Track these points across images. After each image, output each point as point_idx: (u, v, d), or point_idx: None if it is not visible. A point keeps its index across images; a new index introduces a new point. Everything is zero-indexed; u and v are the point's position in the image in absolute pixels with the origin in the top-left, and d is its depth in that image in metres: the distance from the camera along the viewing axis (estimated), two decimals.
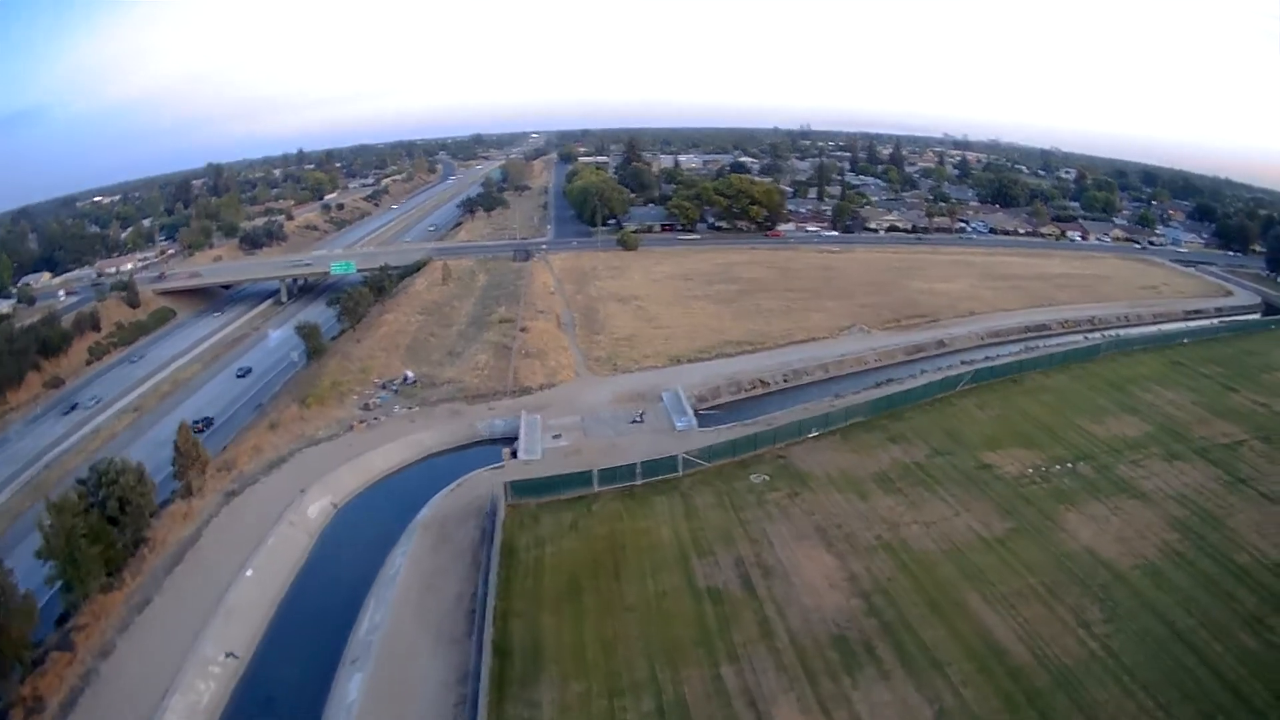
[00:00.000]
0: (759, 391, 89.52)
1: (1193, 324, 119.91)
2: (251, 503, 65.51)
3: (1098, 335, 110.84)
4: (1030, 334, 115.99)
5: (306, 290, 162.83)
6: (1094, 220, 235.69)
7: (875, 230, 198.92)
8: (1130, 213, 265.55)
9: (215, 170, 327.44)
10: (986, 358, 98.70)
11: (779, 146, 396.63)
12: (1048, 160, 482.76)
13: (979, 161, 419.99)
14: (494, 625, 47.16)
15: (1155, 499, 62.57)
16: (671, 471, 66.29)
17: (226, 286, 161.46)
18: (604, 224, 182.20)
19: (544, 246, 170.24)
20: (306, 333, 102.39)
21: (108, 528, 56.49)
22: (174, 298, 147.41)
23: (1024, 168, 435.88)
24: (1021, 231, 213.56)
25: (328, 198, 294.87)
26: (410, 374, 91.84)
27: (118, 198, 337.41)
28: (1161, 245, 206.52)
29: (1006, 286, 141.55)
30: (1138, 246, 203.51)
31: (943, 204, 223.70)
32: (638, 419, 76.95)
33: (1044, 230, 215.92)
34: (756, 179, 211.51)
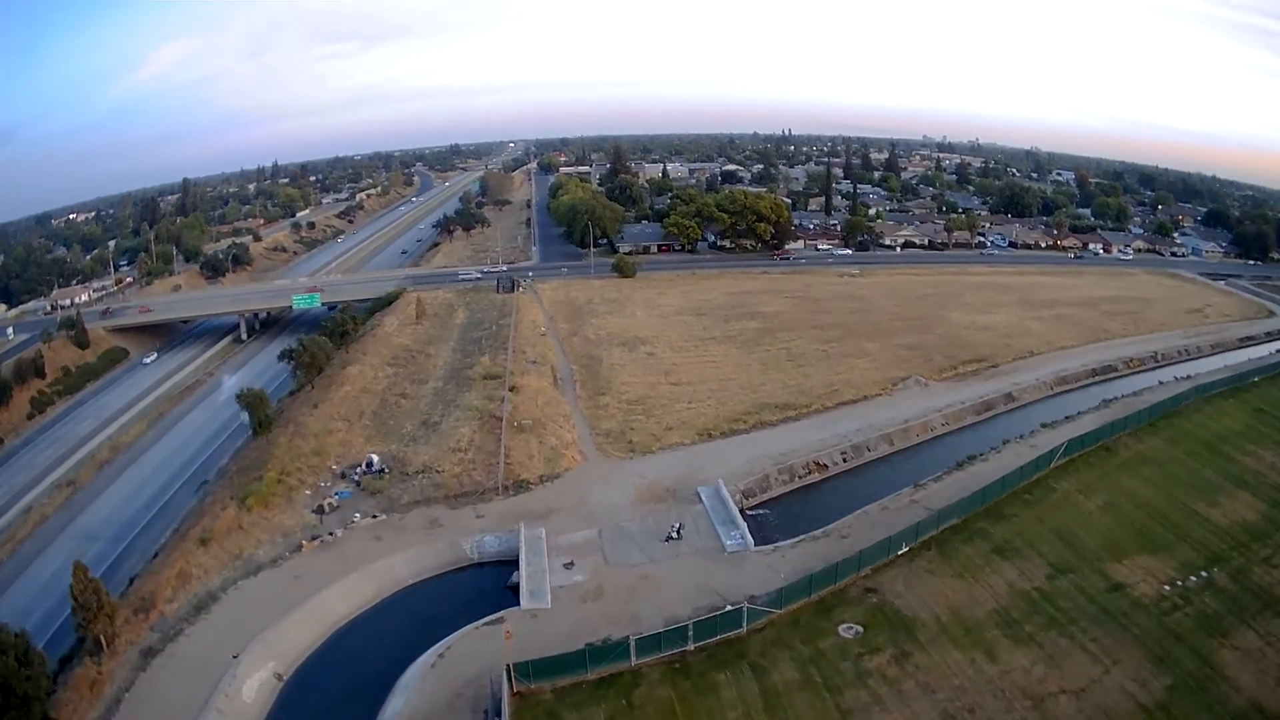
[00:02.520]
0: (816, 477, 71.85)
1: (1253, 353, 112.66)
2: (174, 670, 47.40)
3: (1168, 377, 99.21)
4: (1098, 378, 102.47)
5: (270, 324, 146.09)
6: (1112, 230, 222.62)
7: (891, 247, 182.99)
8: (1141, 219, 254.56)
9: (183, 188, 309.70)
10: (1068, 417, 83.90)
11: (770, 154, 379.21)
12: (1039, 162, 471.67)
13: (970, 166, 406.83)
14: None
15: None
16: (734, 628, 48.29)
17: (186, 321, 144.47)
18: (595, 245, 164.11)
19: (530, 274, 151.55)
20: (250, 403, 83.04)
21: None
22: (127, 335, 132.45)
23: (1015, 170, 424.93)
24: (1043, 245, 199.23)
25: (299, 215, 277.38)
26: (375, 458, 72.99)
27: (91, 215, 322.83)
28: (1183, 256, 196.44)
29: (1053, 317, 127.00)
30: (1161, 258, 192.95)
31: (956, 216, 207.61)
32: (673, 534, 58.73)
33: (1064, 243, 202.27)
34: (761, 193, 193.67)
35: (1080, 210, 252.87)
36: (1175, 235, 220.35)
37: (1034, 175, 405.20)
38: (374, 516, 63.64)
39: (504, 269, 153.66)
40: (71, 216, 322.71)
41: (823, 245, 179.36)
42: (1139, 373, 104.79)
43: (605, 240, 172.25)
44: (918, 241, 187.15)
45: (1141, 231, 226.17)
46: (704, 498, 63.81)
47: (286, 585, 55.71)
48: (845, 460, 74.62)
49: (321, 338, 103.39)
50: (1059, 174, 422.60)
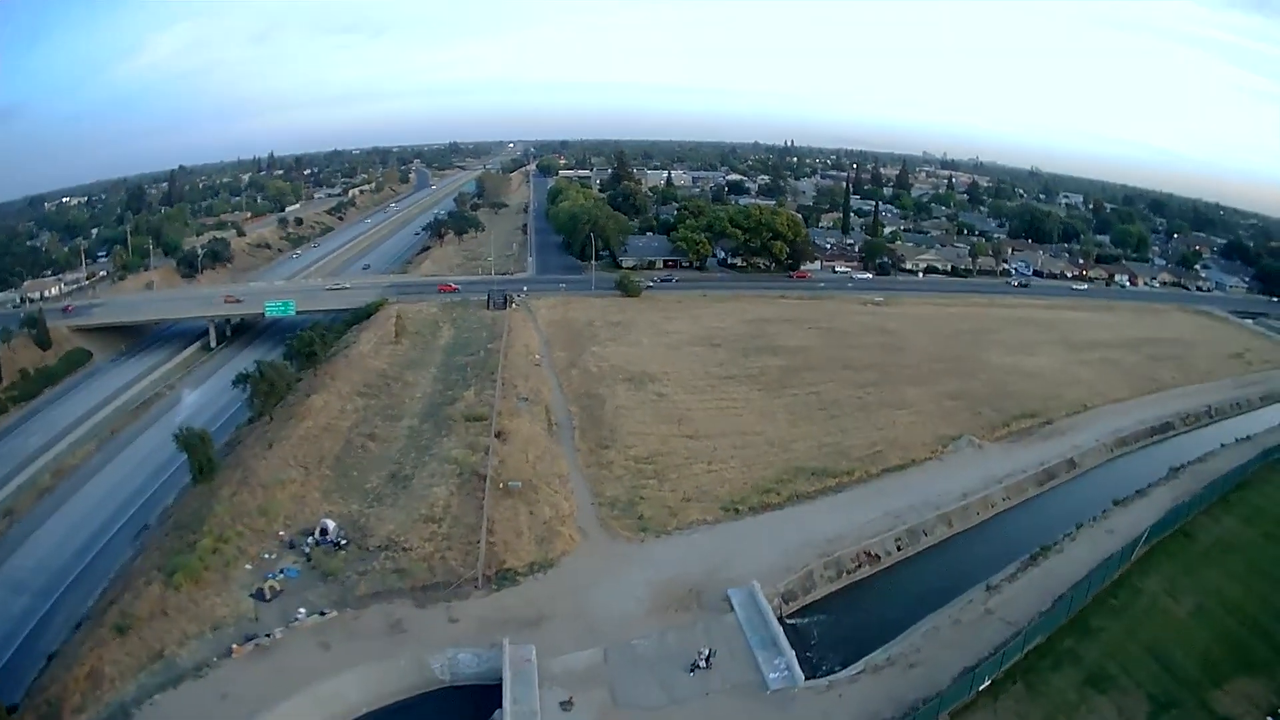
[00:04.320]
0: (867, 571, 59.19)
1: None
2: None
3: (1226, 436, 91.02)
4: (1156, 437, 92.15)
5: (243, 330, 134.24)
6: (1134, 260, 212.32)
7: (913, 272, 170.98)
8: (1159, 248, 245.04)
9: (171, 176, 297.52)
10: (1138, 492, 73.47)
11: (778, 166, 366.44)
12: (1046, 185, 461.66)
13: (979, 186, 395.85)
14: None
15: None
16: None
17: (157, 322, 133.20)
18: (596, 257, 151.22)
19: (525, 289, 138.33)
20: (189, 444, 69.45)
21: None
22: (91, 335, 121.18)
23: (1022, 192, 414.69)
24: (1068, 275, 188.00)
25: (288, 210, 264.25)
26: (330, 524, 59.74)
27: (84, 199, 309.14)
28: (1208, 291, 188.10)
29: (1098, 361, 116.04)
30: (1188, 292, 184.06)
31: (980, 241, 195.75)
32: (700, 662, 45.79)
33: (1090, 273, 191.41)
34: (777, 208, 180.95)
35: (1099, 237, 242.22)
36: (1197, 268, 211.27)
37: (1042, 197, 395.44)
38: (321, 614, 50.38)
39: (496, 281, 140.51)
40: (64, 200, 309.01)
41: (840, 267, 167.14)
42: (1196, 429, 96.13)
43: (607, 252, 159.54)
44: (940, 267, 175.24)
45: (1164, 263, 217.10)
46: (736, 604, 50.89)
47: (210, 706, 42.85)
48: (900, 548, 62.04)
49: (283, 363, 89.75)
50: (1066, 196, 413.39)
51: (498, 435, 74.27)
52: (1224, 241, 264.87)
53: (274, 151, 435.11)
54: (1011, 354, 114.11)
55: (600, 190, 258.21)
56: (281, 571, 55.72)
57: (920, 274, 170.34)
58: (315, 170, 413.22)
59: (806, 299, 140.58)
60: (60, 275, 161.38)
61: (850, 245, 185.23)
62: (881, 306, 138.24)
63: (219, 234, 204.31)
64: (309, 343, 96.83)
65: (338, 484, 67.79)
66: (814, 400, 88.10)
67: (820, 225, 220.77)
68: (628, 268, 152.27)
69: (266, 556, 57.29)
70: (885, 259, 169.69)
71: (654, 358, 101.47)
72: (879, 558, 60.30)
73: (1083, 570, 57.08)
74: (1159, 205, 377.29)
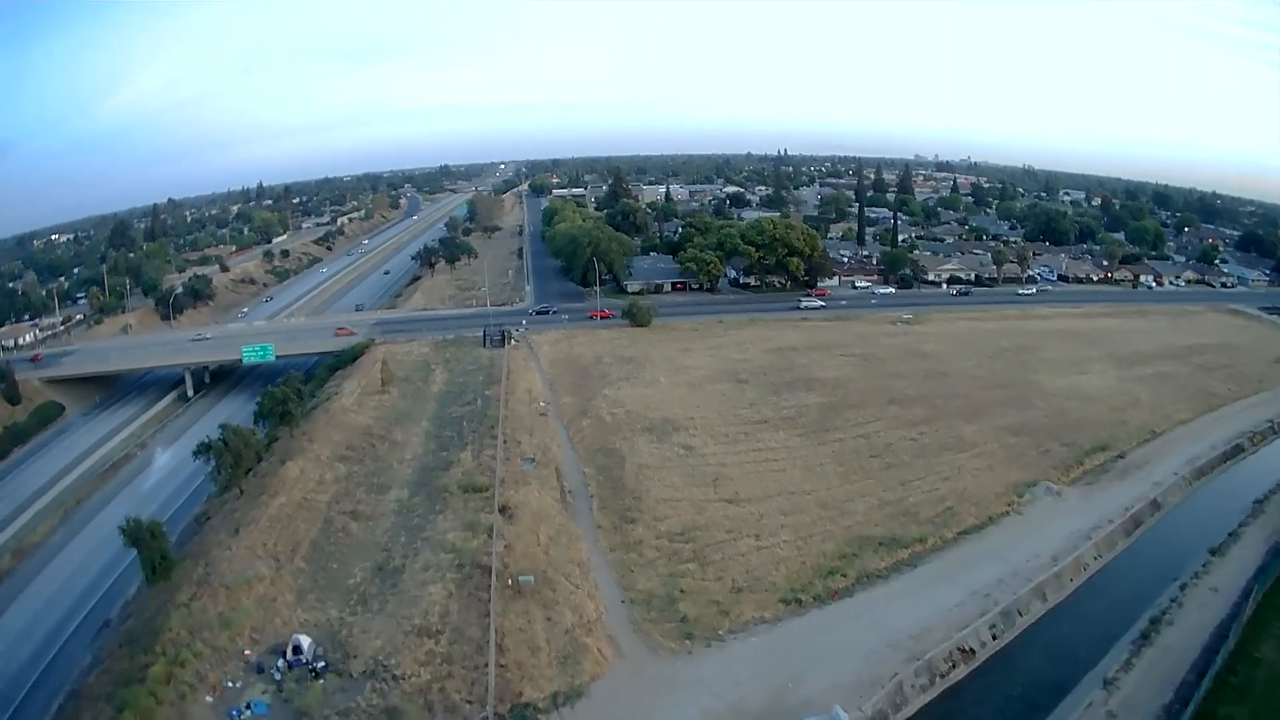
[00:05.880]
0: (962, 671, 48.37)
1: None
2: None
3: None
4: (1229, 461, 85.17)
5: (223, 376, 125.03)
6: (1154, 258, 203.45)
7: (936, 283, 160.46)
8: (1174, 244, 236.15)
9: (153, 211, 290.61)
10: (1231, 534, 67.50)
11: (778, 176, 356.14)
12: (1047, 182, 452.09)
13: (983, 187, 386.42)
14: None
15: None
16: None
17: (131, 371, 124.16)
18: (600, 282, 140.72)
19: (524, 323, 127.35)
20: (138, 540, 58.39)
21: None
22: (62, 387, 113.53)
23: (1022, 190, 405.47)
24: (1094, 278, 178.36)
25: (275, 241, 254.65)
26: (305, 641, 48.64)
27: (71, 237, 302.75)
28: (1233, 287, 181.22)
29: (1152, 376, 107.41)
30: (1213, 290, 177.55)
31: (1002, 247, 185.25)
32: None
33: (1115, 275, 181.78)
34: (791, 222, 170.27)
35: (1112, 235, 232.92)
36: (1218, 263, 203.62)
37: (1043, 195, 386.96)
38: None
39: (492, 314, 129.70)
40: (54, 237, 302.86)
41: (861, 282, 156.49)
42: (1263, 447, 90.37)
43: (610, 277, 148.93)
44: (963, 276, 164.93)
45: (1184, 259, 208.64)
46: None
47: None
48: (995, 636, 51.40)
49: (250, 429, 78.57)
50: (1066, 193, 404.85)
51: (502, 510, 63.47)
52: (1236, 233, 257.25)
53: (262, 181, 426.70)
54: (1063, 374, 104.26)
55: (597, 209, 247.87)
56: (248, 707, 44.96)
57: (944, 285, 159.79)
58: (304, 199, 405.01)
59: (831, 320, 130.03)
60: (36, 320, 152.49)
61: (867, 257, 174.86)
62: (912, 325, 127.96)
63: (201, 269, 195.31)
64: (282, 400, 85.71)
65: (314, 580, 56.86)
66: (863, 446, 77.26)
67: (830, 236, 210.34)
68: (634, 293, 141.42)
69: (230, 685, 46.57)
70: (907, 271, 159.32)
71: (675, 400, 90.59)
72: (973, 652, 49.58)
73: (1197, 644, 51.42)
74: (1163, 198, 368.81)
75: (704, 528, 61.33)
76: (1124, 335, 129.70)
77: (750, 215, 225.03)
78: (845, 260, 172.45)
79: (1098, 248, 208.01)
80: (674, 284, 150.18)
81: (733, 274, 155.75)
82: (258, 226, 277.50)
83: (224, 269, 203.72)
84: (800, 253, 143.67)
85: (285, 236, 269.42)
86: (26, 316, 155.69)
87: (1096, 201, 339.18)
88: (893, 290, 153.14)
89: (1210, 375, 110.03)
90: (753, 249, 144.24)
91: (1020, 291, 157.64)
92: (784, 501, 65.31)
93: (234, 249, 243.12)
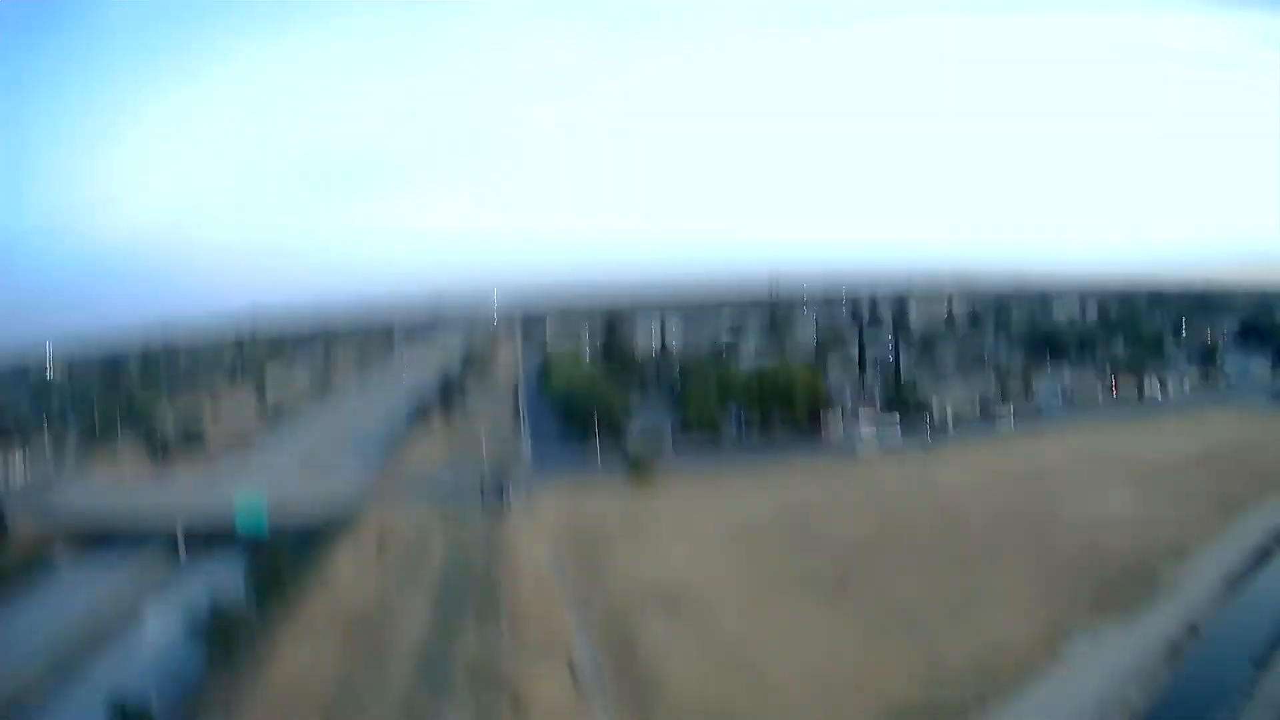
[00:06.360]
0: None
1: None
2: None
3: None
4: (1259, 567, 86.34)
5: (214, 539, 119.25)
6: (1157, 363, 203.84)
7: (941, 416, 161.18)
8: (1175, 343, 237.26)
9: (143, 351, 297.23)
10: (1273, 645, 66.21)
11: (773, 315, 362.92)
12: (1044, 295, 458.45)
13: (970, 310, 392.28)
14: None
15: None
16: None
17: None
18: (598, 433, 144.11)
19: (524, 485, 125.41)
20: None
21: None
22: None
23: (1014, 306, 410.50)
24: (1098, 394, 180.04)
25: (268, 382, 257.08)
26: None
27: (59, 366, 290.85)
28: (1237, 383, 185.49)
29: (1172, 490, 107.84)
30: (1218, 390, 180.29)
31: (995, 368, 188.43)
32: None
33: (1120, 387, 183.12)
34: (793, 367, 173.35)
35: (1111, 343, 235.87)
36: (1218, 363, 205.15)
37: (1038, 309, 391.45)
38: None
39: (489, 474, 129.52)
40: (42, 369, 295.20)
41: (866, 423, 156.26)
42: None
43: (610, 431, 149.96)
44: (970, 407, 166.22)
45: (1187, 361, 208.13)
46: None
47: None
48: None
49: (242, 613, 77.67)
50: (1060, 301, 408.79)
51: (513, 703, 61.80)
52: (1235, 324, 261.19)
53: (255, 320, 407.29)
54: (1082, 500, 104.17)
55: (592, 356, 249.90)
56: None
57: (949, 418, 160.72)
58: (298, 339, 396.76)
59: (839, 468, 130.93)
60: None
61: (870, 394, 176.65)
62: (924, 466, 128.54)
63: (193, 413, 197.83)
64: (276, 574, 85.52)
65: None
66: (889, 606, 76.00)
67: (828, 371, 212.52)
68: (635, 447, 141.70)
69: None
70: (912, 408, 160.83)
71: (685, 567, 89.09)
72: None
73: None
74: (1158, 298, 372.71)
75: (731, 716, 59.55)
76: (1137, 450, 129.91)
77: (748, 346, 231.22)
78: (848, 399, 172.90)
79: (1099, 360, 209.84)
80: (676, 435, 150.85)
81: (734, 421, 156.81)
82: (251, 367, 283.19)
83: (216, 414, 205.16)
84: (805, 399, 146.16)
85: (276, 381, 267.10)
86: None
87: (1092, 312, 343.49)
88: (898, 429, 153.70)
89: (1228, 480, 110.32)
90: (756, 399, 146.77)
91: (1026, 415, 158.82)
92: (814, 680, 62.61)
93: (226, 392, 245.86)
